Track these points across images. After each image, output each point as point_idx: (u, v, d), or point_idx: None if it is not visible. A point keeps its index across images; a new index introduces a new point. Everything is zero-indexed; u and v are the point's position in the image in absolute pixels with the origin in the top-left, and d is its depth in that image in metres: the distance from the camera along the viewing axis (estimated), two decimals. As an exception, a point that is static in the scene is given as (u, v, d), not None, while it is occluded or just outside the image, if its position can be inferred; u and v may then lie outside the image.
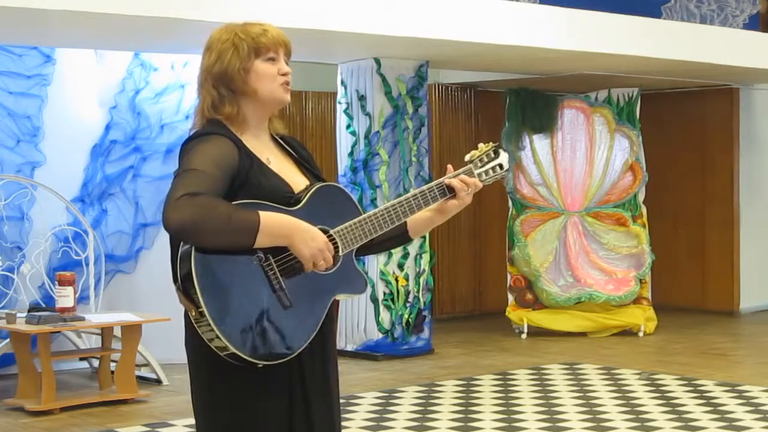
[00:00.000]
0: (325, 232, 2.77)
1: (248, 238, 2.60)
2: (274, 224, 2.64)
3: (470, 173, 2.99)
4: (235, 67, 2.77)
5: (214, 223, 2.56)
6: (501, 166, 3.04)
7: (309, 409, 2.81)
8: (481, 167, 3.01)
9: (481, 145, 3.05)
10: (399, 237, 3.04)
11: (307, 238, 2.67)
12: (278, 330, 2.68)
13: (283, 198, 2.76)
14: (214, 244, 2.59)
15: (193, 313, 2.63)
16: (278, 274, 2.69)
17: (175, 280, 2.67)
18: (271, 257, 2.68)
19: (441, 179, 2.95)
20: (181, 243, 2.64)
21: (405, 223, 3.00)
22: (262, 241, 2.62)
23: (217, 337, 2.60)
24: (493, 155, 3.03)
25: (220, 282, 2.62)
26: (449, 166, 3.01)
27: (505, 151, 3.07)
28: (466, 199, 2.97)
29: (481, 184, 2.99)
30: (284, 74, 2.82)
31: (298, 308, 2.71)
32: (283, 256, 2.69)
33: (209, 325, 2.59)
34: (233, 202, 2.65)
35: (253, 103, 2.82)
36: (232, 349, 2.61)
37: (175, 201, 2.56)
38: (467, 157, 3.02)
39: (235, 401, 2.75)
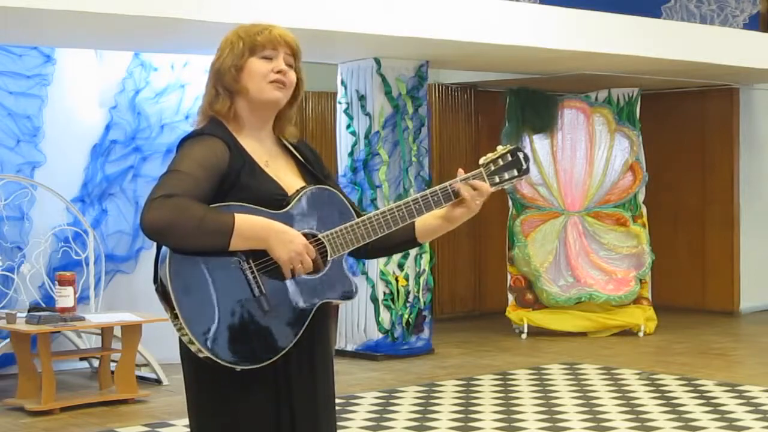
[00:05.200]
0: (313, 236, 2.72)
1: (222, 240, 2.58)
2: (250, 227, 2.61)
3: (479, 177, 2.85)
4: (228, 65, 2.75)
5: (187, 225, 2.55)
6: (519, 169, 2.87)
7: (294, 415, 2.76)
8: (494, 170, 2.86)
9: (499, 147, 2.90)
10: (408, 242, 2.95)
11: (285, 241, 2.63)
12: (256, 334, 2.64)
13: (274, 201, 2.71)
14: (188, 245, 2.58)
15: (169, 315, 2.61)
16: (258, 277, 2.65)
17: (154, 281, 2.65)
18: (251, 260, 2.64)
19: (446, 183, 2.82)
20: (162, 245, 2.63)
21: (413, 227, 2.91)
22: (237, 243, 2.60)
23: (191, 340, 2.58)
24: (510, 158, 2.86)
25: (197, 284, 2.60)
26: (460, 170, 2.87)
27: (525, 153, 2.89)
28: (474, 207, 2.84)
29: (490, 189, 2.85)
30: (278, 72, 2.76)
31: (280, 313, 2.67)
32: (263, 260, 2.65)
33: (184, 328, 2.58)
34: (214, 204, 2.63)
35: (247, 102, 2.78)
36: (208, 354, 2.59)
37: (150, 202, 2.57)
38: (481, 160, 2.87)
39: (220, 404, 2.72)
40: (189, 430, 2.85)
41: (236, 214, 2.60)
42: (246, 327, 2.63)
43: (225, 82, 2.77)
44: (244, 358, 2.63)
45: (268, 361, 2.66)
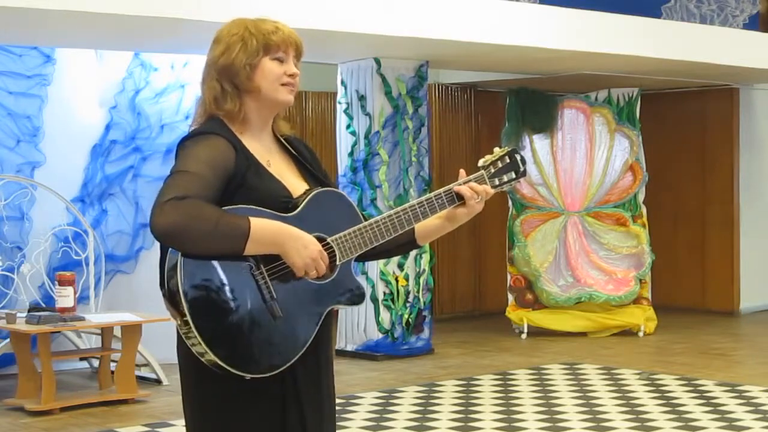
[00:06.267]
0: (321, 239, 2.67)
1: (237, 244, 2.51)
2: (265, 231, 2.54)
3: (481, 179, 2.87)
4: (242, 62, 2.67)
5: (201, 229, 2.47)
6: (517, 171, 2.91)
7: (303, 419, 2.71)
8: (494, 172, 2.89)
9: (496, 149, 2.92)
10: (407, 244, 2.94)
11: (299, 246, 2.57)
12: (267, 342, 2.58)
13: (280, 202, 2.66)
14: (201, 250, 2.50)
15: (178, 322, 2.54)
16: (269, 283, 2.59)
17: (162, 286, 2.57)
18: (262, 265, 2.58)
19: (450, 186, 2.83)
20: (169, 248, 2.54)
21: (413, 229, 2.89)
22: (251, 248, 2.53)
23: (203, 347, 2.51)
24: (508, 160, 2.90)
25: (208, 290, 2.53)
26: (461, 171, 2.88)
27: (522, 155, 2.93)
28: (476, 207, 2.86)
29: (492, 191, 2.87)
30: (290, 75, 2.73)
31: (291, 319, 2.61)
32: (275, 265, 2.59)
33: (195, 335, 2.51)
34: (225, 207, 2.56)
35: (256, 101, 2.72)
36: (218, 361, 2.52)
37: (161, 205, 2.48)
38: (480, 162, 2.90)
39: (224, 411, 2.66)
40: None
41: (251, 218, 2.54)
42: (257, 334, 2.57)
43: (236, 80, 2.69)
44: (256, 366, 2.57)
45: (279, 369, 2.61)
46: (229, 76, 2.70)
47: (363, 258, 2.87)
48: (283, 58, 2.73)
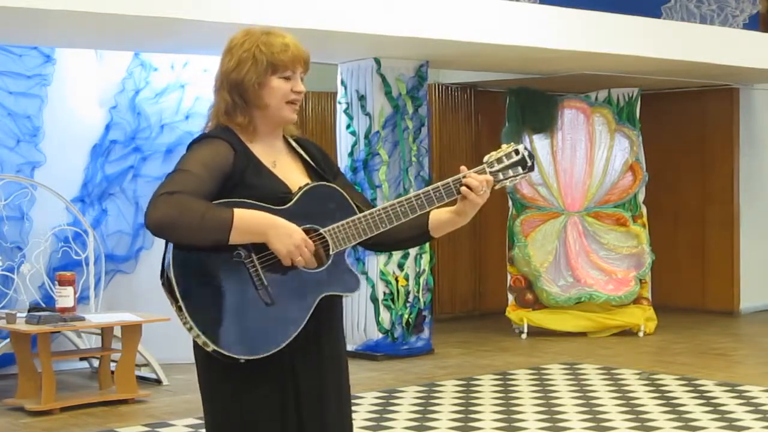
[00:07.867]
0: (314, 230, 2.80)
1: (222, 235, 2.67)
2: (249, 221, 2.69)
3: (482, 171, 2.92)
4: (251, 80, 2.81)
5: (188, 221, 2.64)
6: (524, 166, 2.93)
7: (299, 407, 2.83)
8: (499, 168, 2.93)
9: (503, 146, 2.97)
10: (420, 236, 3.02)
11: (283, 235, 2.71)
12: (258, 327, 2.72)
13: (279, 198, 2.79)
14: (190, 241, 2.67)
15: (174, 308, 2.69)
16: (260, 271, 2.73)
17: (161, 276, 2.74)
18: (254, 254, 2.72)
19: (447, 180, 2.89)
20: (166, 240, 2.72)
21: (426, 221, 2.98)
22: (236, 238, 2.68)
23: (196, 331, 2.67)
24: (515, 156, 2.94)
25: (200, 278, 2.69)
26: (462, 167, 2.94)
27: (529, 150, 2.96)
28: (476, 199, 2.89)
29: (491, 178, 2.90)
30: (297, 92, 2.85)
31: (282, 306, 2.74)
32: (265, 254, 2.73)
33: (188, 321, 2.66)
34: (218, 201, 2.71)
35: (263, 116, 2.86)
36: (211, 344, 2.67)
37: (154, 200, 2.66)
38: (486, 158, 2.94)
39: (229, 397, 2.80)
40: (192, 430, 2.88)
41: (235, 210, 2.68)
42: (248, 319, 2.71)
43: (246, 96, 2.83)
44: (247, 350, 2.70)
45: (269, 353, 2.72)
46: (240, 91, 2.83)
47: (379, 248, 3.01)
48: (291, 75, 2.85)
